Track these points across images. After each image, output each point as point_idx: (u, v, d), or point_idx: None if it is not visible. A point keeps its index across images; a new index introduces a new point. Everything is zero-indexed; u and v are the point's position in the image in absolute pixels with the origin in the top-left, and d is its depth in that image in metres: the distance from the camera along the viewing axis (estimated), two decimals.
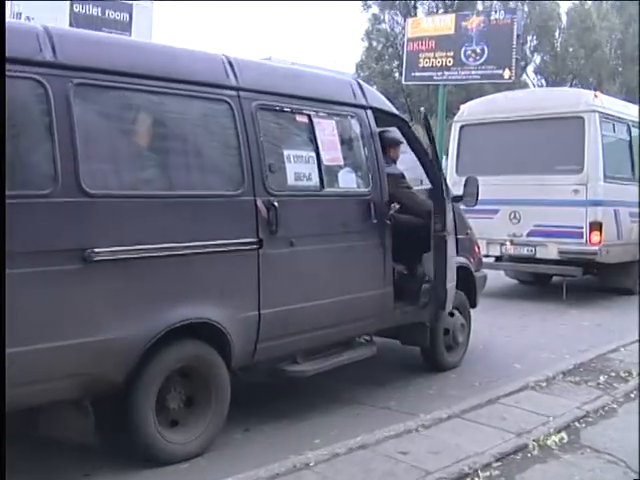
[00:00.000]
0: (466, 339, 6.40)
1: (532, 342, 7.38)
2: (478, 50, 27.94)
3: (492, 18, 28.05)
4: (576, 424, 4.70)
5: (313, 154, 4.78)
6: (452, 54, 28.85)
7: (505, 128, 10.05)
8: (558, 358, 6.59)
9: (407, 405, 5.19)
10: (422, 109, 6.08)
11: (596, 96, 10.16)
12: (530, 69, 35.18)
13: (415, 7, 34.23)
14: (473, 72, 28.11)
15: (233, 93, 4.35)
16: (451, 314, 6.04)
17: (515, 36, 27.07)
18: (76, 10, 26.99)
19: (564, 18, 36.58)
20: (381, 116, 5.63)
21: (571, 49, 35.76)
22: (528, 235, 9.83)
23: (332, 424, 4.78)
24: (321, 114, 4.93)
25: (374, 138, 5.38)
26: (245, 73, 4.56)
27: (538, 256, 9.82)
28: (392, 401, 5.30)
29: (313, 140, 4.79)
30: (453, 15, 30.05)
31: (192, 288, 4.00)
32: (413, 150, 5.92)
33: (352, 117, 5.25)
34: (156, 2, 27.23)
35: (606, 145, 9.70)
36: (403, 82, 30.02)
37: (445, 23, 29.39)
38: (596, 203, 9.45)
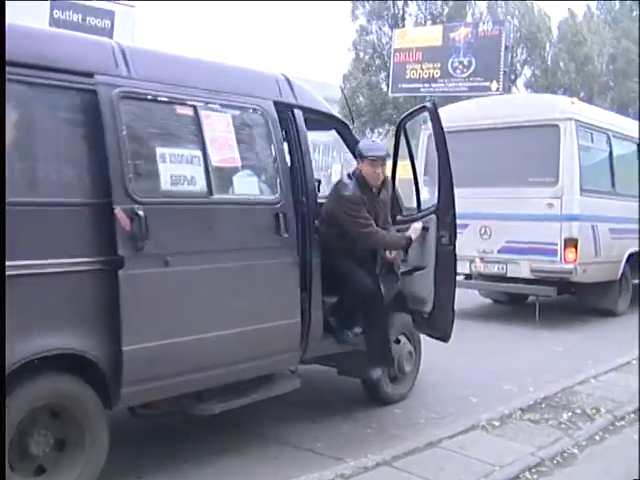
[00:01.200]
0: (415, 368, 5.80)
1: (496, 370, 6.80)
2: (465, 62, 27.66)
3: (480, 29, 27.71)
4: (526, 475, 4.17)
5: (199, 153, 4.01)
6: (439, 66, 28.59)
7: (475, 137, 9.35)
8: (520, 390, 6.03)
9: (336, 447, 4.62)
10: (429, 102, 5.15)
11: (573, 103, 9.44)
12: (520, 82, 34.75)
13: (403, 18, 33.82)
14: (460, 84, 27.77)
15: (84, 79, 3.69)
16: (397, 341, 5.52)
17: (503, 48, 26.77)
18: (56, 16, 26.49)
19: (555, 32, 36.19)
20: (315, 117, 5.15)
21: (562, 63, 35.38)
22: (499, 252, 9.19)
23: (242, 469, 4.24)
24: (212, 107, 4.17)
25: (300, 140, 4.85)
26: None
27: (509, 274, 9.17)
28: (320, 442, 4.73)
29: (200, 137, 4.03)
30: (441, 26, 29.74)
31: (44, 315, 3.41)
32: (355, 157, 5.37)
33: (262, 113, 4.51)
34: (139, 7, 26.64)
35: (583, 156, 9.02)
36: (390, 94, 29.60)
37: (432, 34, 29.12)
38: (572, 218, 8.79)
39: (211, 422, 4.63)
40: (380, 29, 34.34)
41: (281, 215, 4.39)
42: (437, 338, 5.17)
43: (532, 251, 8.88)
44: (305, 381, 5.20)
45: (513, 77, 32.89)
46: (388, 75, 30.28)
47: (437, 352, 6.06)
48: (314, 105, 5.17)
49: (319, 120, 5.25)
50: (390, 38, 31.38)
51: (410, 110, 5.34)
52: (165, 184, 3.87)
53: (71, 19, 26.60)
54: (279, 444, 4.69)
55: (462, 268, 9.34)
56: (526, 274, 9.03)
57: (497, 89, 25.70)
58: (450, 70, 28.15)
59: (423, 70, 28.79)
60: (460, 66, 27.84)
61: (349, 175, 4.94)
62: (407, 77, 29.08)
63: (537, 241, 8.79)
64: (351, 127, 5.56)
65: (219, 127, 4.21)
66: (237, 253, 4.17)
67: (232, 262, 4.15)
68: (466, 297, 10.47)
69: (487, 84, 26.41)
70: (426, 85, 28.69)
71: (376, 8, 33.73)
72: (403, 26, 32.88)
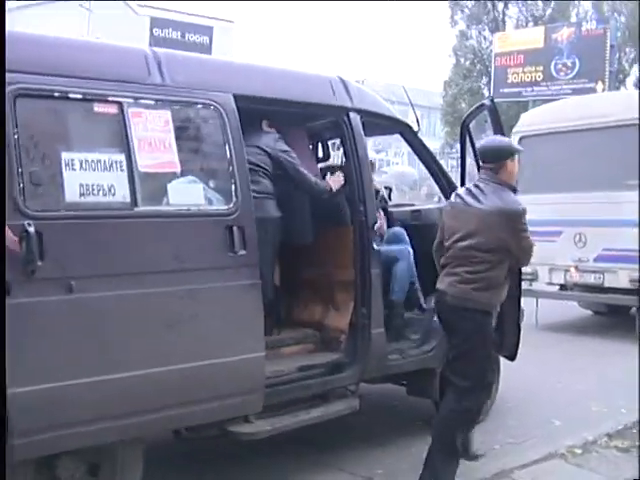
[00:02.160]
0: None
1: (586, 389, 6.26)
2: (569, 63, 26.49)
3: (583, 29, 26.51)
4: None
5: (121, 158, 3.46)
6: (542, 68, 27.54)
7: (569, 139, 8.79)
8: (610, 412, 5.52)
9: (396, 475, 4.30)
10: (487, 100, 4.87)
11: None
12: (630, 82, 32.99)
13: (504, 21, 32.85)
14: (564, 86, 26.57)
15: None
16: None
17: (609, 47, 25.49)
18: (156, 34, 27.23)
19: None
20: (376, 120, 4.84)
21: None
22: (595, 260, 8.60)
23: None
24: (144, 103, 3.60)
25: (357, 145, 4.60)
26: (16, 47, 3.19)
27: (607, 284, 8.56)
28: (380, 469, 4.41)
29: (124, 138, 3.50)
30: (542, 27, 28.62)
31: None
32: (421, 161, 5.27)
33: (216, 108, 3.91)
34: (238, 22, 27.21)
35: None
36: None
37: (534, 36, 28.09)
38: None
39: (260, 445, 4.30)
40: (480, 33, 33.39)
41: (235, 229, 3.76)
42: (504, 357, 4.71)
43: (631, 259, 8.16)
44: (368, 401, 4.93)
45: (621, 77, 31.25)
46: (489, 80, 29.45)
47: (524, 368, 5.63)
48: (374, 108, 4.87)
49: (381, 124, 4.99)
50: (490, 42, 30.44)
51: (471, 109, 5.04)
52: (71, 195, 3.25)
53: (170, 36, 27.27)
54: (336, 469, 4.43)
55: (557, 278, 8.96)
56: (625, 284, 8.38)
57: (603, 90, 24.44)
58: (553, 72, 27.01)
59: (525, 73, 27.77)
60: (563, 68, 26.65)
61: (477, 185, 4.06)
62: (509, 81, 28.13)
63: (636, 249, 8.07)
64: (416, 130, 5.26)
65: (153, 126, 3.61)
66: (172, 275, 3.54)
67: (164, 286, 3.50)
68: (564, 309, 9.85)
69: (592, 85, 25.09)
70: (528, 89, 27.68)
71: (475, 12, 32.82)
72: (504, 29, 31.92)
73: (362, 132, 4.64)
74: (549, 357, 7.43)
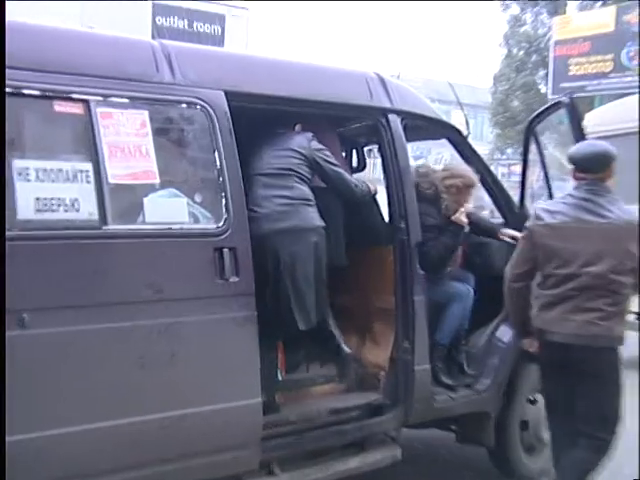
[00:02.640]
0: None
1: None
2: None
3: None
4: None
5: (88, 166, 3.42)
6: (611, 57, 27.30)
7: None
8: None
9: None
10: (565, 96, 4.97)
11: None
12: None
13: (565, 3, 32.71)
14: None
15: None
16: (532, 400, 5.23)
17: None
18: (159, 23, 27.55)
19: None
20: (419, 123, 4.99)
21: None
22: None
23: None
24: (115, 102, 3.57)
25: (397, 151, 4.70)
26: None
27: None
28: None
29: (91, 143, 3.46)
30: (613, 8, 28.39)
31: None
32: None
33: (204, 108, 3.89)
34: (253, 11, 27.35)
35: None
36: (549, 96, 28.49)
37: (602, 19, 27.87)
38: None
39: None
40: (536, 18, 33.22)
41: (226, 251, 3.74)
42: None
43: None
44: (411, 449, 4.99)
45: None
46: (547, 73, 29.21)
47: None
48: (417, 109, 4.96)
49: (425, 128, 5.13)
50: (549, 28, 30.26)
51: (541, 108, 5.18)
52: (25, 211, 3.19)
53: (176, 26, 27.53)
54: None
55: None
56: None
57: None
58: (625, 62, 26.78)
59: (590, 64, 27.50)
60: (637, 57, 26.48)
61: (585, 198, 4.05)
62: (570, 74, 27.90)
63: None
64: (466, 134, 5.36)
65: (126, 129, 3.58)
66: (148, 307, 3.46)
67: (138, 320, 3.47)
68: None
69: None
70: (594, 82, 27.45)
71: None
72: (564, 12, 31.73)
73: (403, 137, 4.71)
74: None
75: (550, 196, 5.15)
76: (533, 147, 5.49)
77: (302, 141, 4.55)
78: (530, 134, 5.22)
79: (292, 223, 4.24)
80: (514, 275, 4.16)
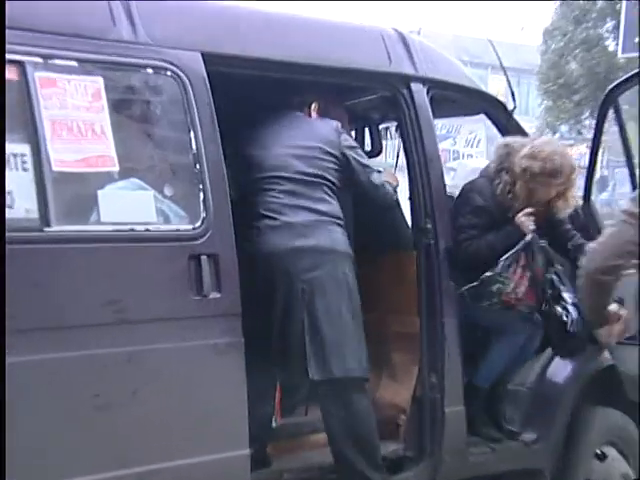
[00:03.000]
0: None
1: None
2: None
3: None
4: None
5: (23, 149, 3.39)
6: None
7: None
8: None
9: None
10: None
11: None
12: None
13: None
14: None
15: None
16: (600, 456, 5.24)
17: None
18: None
19: None
20: (450, 94, 5.12)
21: None
22: None
23: None
24: (61, 65, 3.55)
25: (421, 129, 4.71)
26: None
27: None
28: None
29: (29, 119, 3.43)
30: None
31: None
32: None
33: (175, 74, 3.89)
34: None
35: None
36: (620, 54, 28.48)
37: None
38: None
39: None
40: None
41: (205, 259, 3.78)
42: None
43: None
44: None
45: None
46: (617, 26, 29.03)
47: None
48: (448, 76, 5.05)
49: (457, 99, 5.23)
50: None
51: (625, 76, 5.25)
52: None
53: None
54: None
55: None
56: None
57: None
58: None
59: None
60: None
61: None
62: None
63: None
64: (511, 108, 5.47)
65: (75, 101, 3.56)
66: (106, 331, 3.52)
67: (93, 349, 3.50)
68: None
69: None
70: None
71: None
72: None
73: (430, 112, 4.76)
74: None
75: (634, 186, 5.09)
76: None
77: (329, 134, 4.56)
78: (608, 107, 5.23)
79: (318, 242, 4.27)
80: (606, 267, 4.14)
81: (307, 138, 4.49)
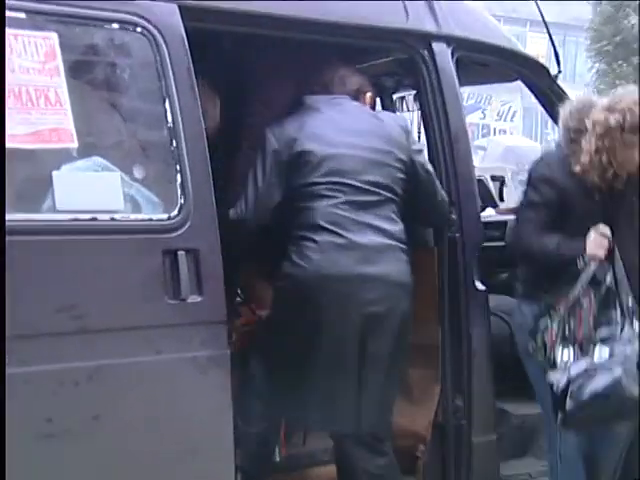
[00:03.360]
0: None
1: None
2: None
3: None
4: None
5: None
6: None
7: None
8: None
9: None
10: None
11: None
12: None
13: None
14: None
15: None
16: None
17: None
18: None
19: None
20: (481, 57, 5.24)
21: None
22: None
23: None
24: (7, 16, 3.57)
25: (445, 97, 4.82)
26: None
27: None
28: None
29: None
30: None
31: None
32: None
33: (145, 30, 3.95)
34: None
35: None
36: None
37: None
38: None
39: None
40: None
41: (183, 255, 3.85)
42: None
43: None
44: None
45: None
46: None
47: None
48: (477, 34, 5.12)
49: (489, 62, 5.32)
50: None
51: None
52: None
53: None
54: None
55: None
56: None
57: None
58: None
59: None
60: None
61: None
62: None
63: None
64: (556, 73, 5.57)
65: (24, 62, 3.62)
66: (62, 342, 3.58)
67: (46, 363, 3.56)
68: None
69: None
70: None
71: None
72: None
73: (455, 78, 4.84)
74: None
75: None
76: None
77: (400, 135, 4.63)
78: None
79: (385, 271, 4.33)
80: None
81: (381, 139, 4.53)
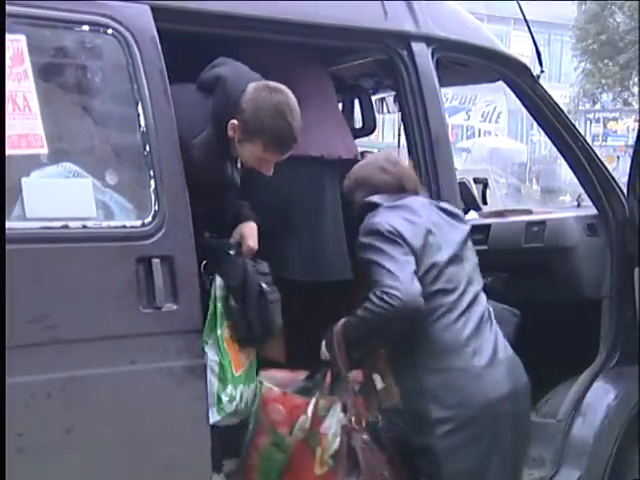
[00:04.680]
0: None
1: None
2: None
3: None
4: None
5: None
6: None
7: None
8: None
9: None
10: None
11: None
12: None
13: None
14: None
15: None
16: None
17: None
18: None
19: None
20: (462, 57, 5.26)
21: None
22: None
23: None
24: None
25: (425, 99, 4.80)
26: None
27: None
28: None
29: None
30: None
31: None
32: (542, 126, 5.68)
33: (117, 32, 3.92)
34: None
35: None
36: None
37: None
38: None
39: None
40: None
41: (157, 263, 3.84)
42: None
43: None
44: None
45: None
46: None
47: None
48: (460, 34, 5.15)
49: (471, 63, 5.34)
50: None
51: None
52: None
53: None
54: None
55: None
56: None
57: None
58: None
59: None
60: None
61: None
62: None
63: None
64: (538, 73, 5.57)
65: None
66: (33, 353, 3.57)
67: (15, 375, 3.47)
68: None
69: None
70: None
71: None
72: None
73: (436, 80, 4.84)
74: None
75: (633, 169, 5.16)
76: None
77: None
78: None
79: (514, 386, 4.31)
80: None
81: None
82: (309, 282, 5.10)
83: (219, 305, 4.27)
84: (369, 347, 4.53)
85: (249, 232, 4.51)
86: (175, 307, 3.86)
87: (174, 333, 3.88)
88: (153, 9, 4.00)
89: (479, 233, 5.76)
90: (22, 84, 3.65)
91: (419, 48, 4.78)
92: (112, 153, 3.94)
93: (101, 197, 3.81)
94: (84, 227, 3.74)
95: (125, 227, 3.85)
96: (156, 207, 3.87)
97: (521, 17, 5.67)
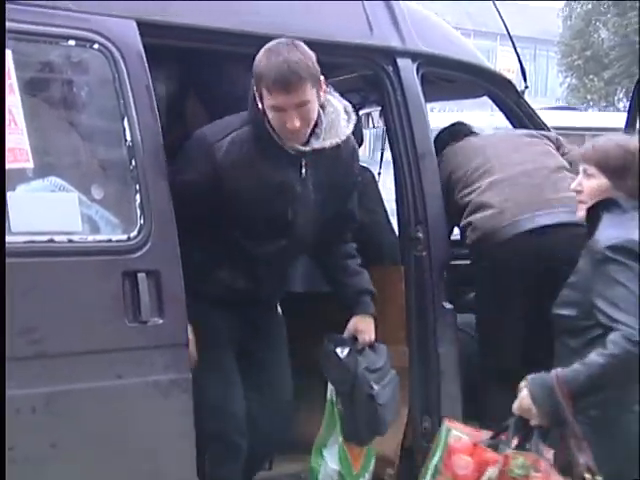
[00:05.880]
0: None
1: None
2: None
3: None
4: None
5: None
6: None
7: None
8: None
9: None
10: None
11: None
12: None
13: None
14: None
15: None
16: None
17: None
18: None
19: None
20: (447, 72, 5.30)
21: None
22: None
23: None
24: None
25: (410, 115, 4.82)
26: None
27: None
28: None
29: None
30: None
31: None
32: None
33: (103, 47, 3.93)
34: None
35: None
36: None
37: None
38: None
39: None
40: None
41: (143, 277, 3.84)
42: None
43: None
44: None
45: None
46: None
47: None
48: (445, 50, 5.16)
49: (456, 78, 5.38)
50: None
51: None
52: None
53: None
54: None
55: None
56: None
57: None
58: None
59: None
60: None
61: None
62: None
63: None
64: (522, 89, 5.58)
65: None
66: (18, 367, 3.52)
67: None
68: None
69: None
70: None
71: None
72: None
73: (421, 95, 4.86)
74: None
75: None
76: None
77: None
78: None
79: None
80: None
81: None
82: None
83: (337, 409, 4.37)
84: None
85: (366, 327, 4.50)
86: (161, 321, 3.86)
87: (160, 347, 3.88)
88: (139, 24, 4.01)
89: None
90: (8, 99, 3.64)
91: (404, 64, 4.80)
92: (98, 167, 3.94)
93: (87, 211, 3.81)
94: (70, 241, 3.74)
95: (111, 241, 3.85)
96: (142, 221, 3.87)
97: (508, 33, 5.70)
